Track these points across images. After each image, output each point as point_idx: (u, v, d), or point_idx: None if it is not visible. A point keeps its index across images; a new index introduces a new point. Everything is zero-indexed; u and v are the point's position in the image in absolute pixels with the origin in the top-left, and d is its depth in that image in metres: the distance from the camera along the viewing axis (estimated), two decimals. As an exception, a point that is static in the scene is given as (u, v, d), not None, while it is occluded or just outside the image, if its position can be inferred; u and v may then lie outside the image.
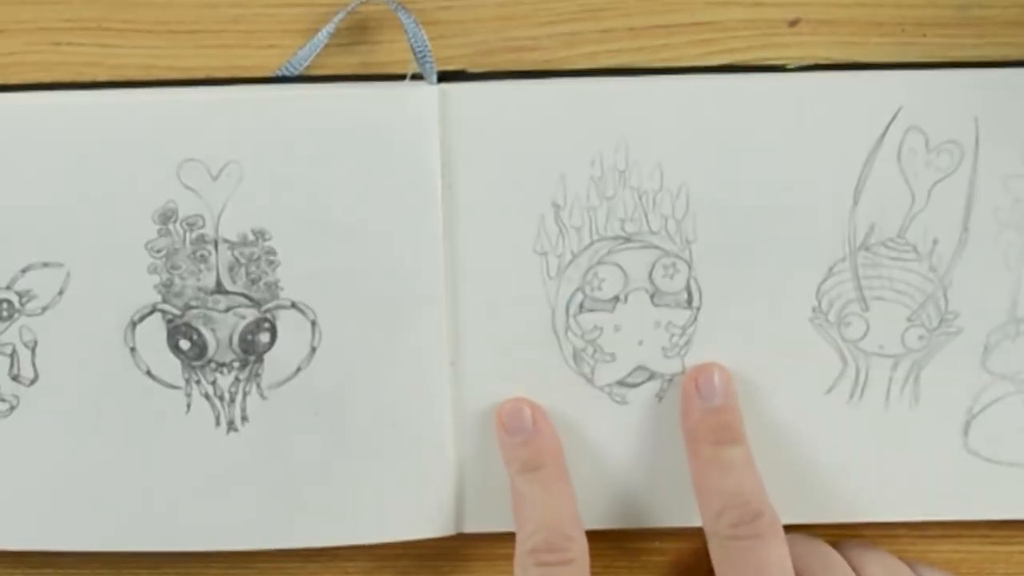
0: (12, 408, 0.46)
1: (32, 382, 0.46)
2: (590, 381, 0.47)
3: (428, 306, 0.46)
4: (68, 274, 0.45)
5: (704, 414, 0.45)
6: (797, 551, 0.44)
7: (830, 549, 0.46)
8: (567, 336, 0.47)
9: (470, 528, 0.47)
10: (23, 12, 0.46)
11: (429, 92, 0.45)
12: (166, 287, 0.46)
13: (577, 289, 0.46)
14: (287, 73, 0.45)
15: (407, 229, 0.45)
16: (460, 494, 0.47)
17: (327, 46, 0.45)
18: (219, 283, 0.46)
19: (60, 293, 0.46)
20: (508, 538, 0.46)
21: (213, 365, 0.46)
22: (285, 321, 0.46)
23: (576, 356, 0.47)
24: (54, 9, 0.46)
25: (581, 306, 0.46)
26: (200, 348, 0.46)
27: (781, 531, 0.43)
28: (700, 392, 0.45)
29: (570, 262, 0.46)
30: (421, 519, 0.46)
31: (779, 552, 0.43)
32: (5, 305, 0.46)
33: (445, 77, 0.45)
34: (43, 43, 0.46)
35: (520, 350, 0.46)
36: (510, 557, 0.45)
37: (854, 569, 0.45)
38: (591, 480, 0.47)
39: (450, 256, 0.45)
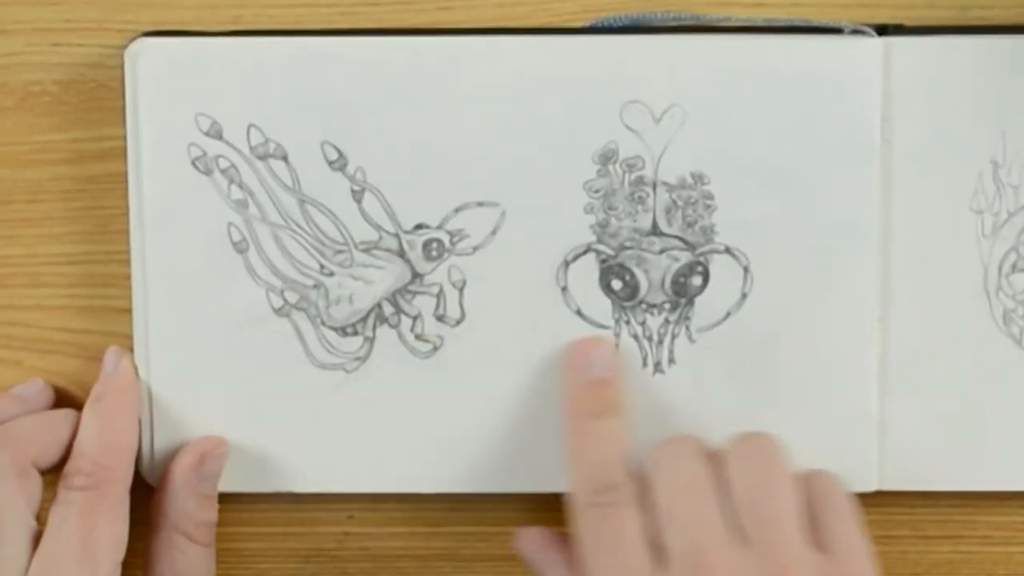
0: (435, 349, 0.46)
1: (458, 322, 0.46)
2: (1018, 343, 0.46)
3: (860, 259, 0.45)
4: (503, 213, 0.45)
5: (580, 387, 0.45)
6: (667, 499, 0.42)
7: (701, 484, 0.43)
8: (998, 296, 0.46)
9: (889, 486, 0.46)
10: (23, 12, 0.46)
11: (873, 45, 0.45)
12: (601, 227, 0.46)
13: (1011, 249, 0.46)
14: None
15: (844, 181, 0.45)
16: (883, 452, 0.46)
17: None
18: (655, 225, 0.45)
19: (493, 233, 0.46)
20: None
21: (644, 306, 0.46)
22: (718, 265, 0.46)
23: (1006, 316, 0.46)
24: (54, 9, 0.46)
25: (1014, 266, 0.46)
26: (632, 289, 0.46)
27: (635, 500, 0.42)
28: (578, 365, 0.45)
29: (1005, 221, 0.46)
30: (841, 474, 0.45)
31: (630, 516, 0.41)
32: (435, 244, 0.46)
33: (882, 31, 0.45)
34: (43, 43, 0.46)
35: (948, 308, 0.46)
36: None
37: (731, 506, 0.42)
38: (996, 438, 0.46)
39: (884, 210, 0.45)
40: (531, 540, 0.45)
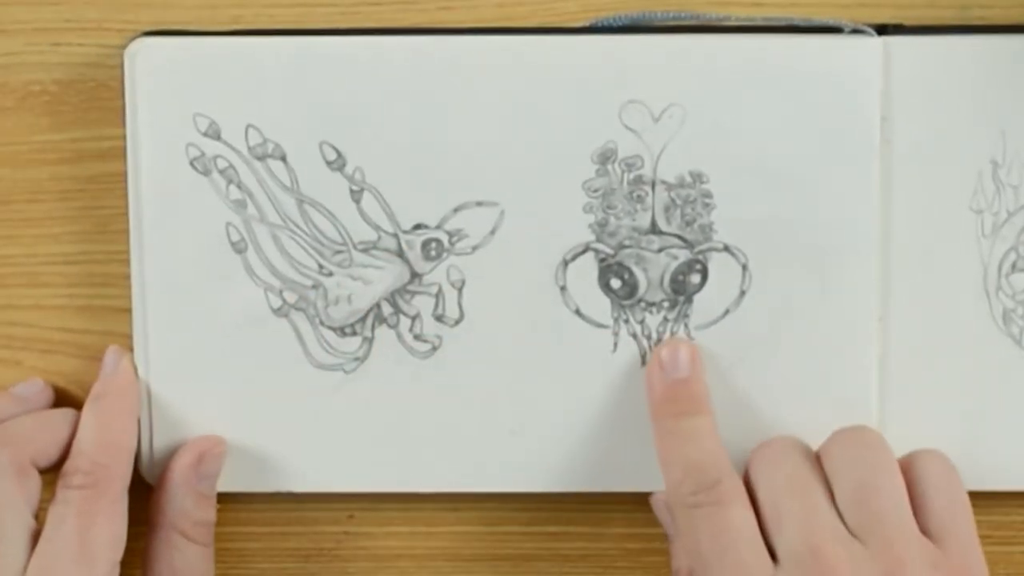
0: (434, 349, 0.46)
1: (456, 322, 0.46)
2: (1018, 343, 0.46)
3: (860, 259, 0.45)
4: (502, 213, 0.45)
5: (667, 386, 0.44)
6: (774, 494, 0.42)
7: (809, 477, 0.43)
8: (998, 296, 0.46)
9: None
10: (23, 12, 0.46)
11: (873, 45, 0.45)
12: (600, 226, 0.46)
13: (1011, 248, 0.46)
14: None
15: (843, 181, 0.45)
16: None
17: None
18: (654, 223, 0.45)
19: (492, 232, 0.46)
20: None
21: (643, 304, 0.46)
22: (716, 263, 0.46)
23: (1005, 316, 0.46)
24: (54, 9, 0.46)
25: (1014, 266, 0.46)
26: (631, 287, 0.46)
27: (744, 496, 0.42)
28: (664, 366, 0.44)
29: (1005, 220, 0.46)
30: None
31: (741, 516, 0.41)
32: (434, 244, 0.46)
33: (882, 31, 0.45)
34: (43, 43, 0.46)
35: (948, 308, 0.46)
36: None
37: (838, 507, 0.42)
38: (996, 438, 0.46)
39: (884, 210, 0.45)
40: (660, 503, 0.45)
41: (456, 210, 0.46)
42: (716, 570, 0.41)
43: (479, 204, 0.46)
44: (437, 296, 0.46)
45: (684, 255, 0.46)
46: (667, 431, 0.44)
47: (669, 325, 0.46)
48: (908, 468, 0.43)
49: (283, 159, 0.45)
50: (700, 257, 0.46)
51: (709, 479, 0.42)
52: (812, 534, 0.40)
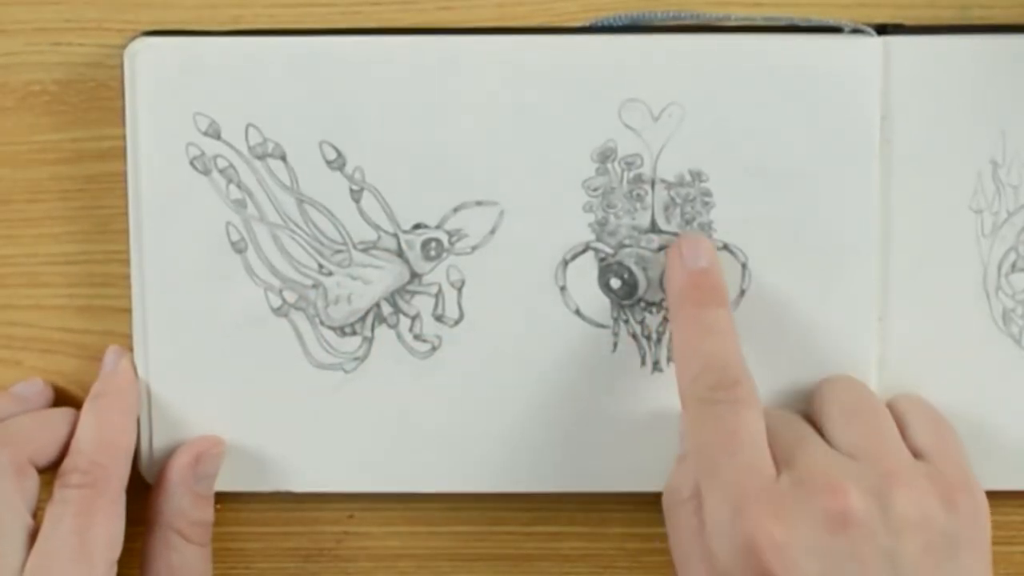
0: (433, 349, 0.46)
1: (456, 322, 0.46)
2: (1018, 342, 0.46)
3: (859, 259, 0.45)
4: (502, 213, 0.45)
5: (688, 275, 0.44)
6: (769, 424, 0.42)
7: (799, 418, 0.44)
8: (998, 296, 0.46)
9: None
10: (23, 12, 0.46)
11: (873, 44, 0.45)
12: (600, 225, 0.46)
13: (1011, 248, 0.46)
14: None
15: (843, 180, 0.45)
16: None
17: None
18: (653, 222, 0.45)
19: (492, 232, 0.46)
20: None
21: (643, 304, 0.46)
22: (716, 263, 0.45)
23: (1005, 316, 0.46)
24: (54, 9, 0.46)
25: (1013, 266, 0.46)
26: (631, 287, 0.46)
27: (759, 403, 0.42)
28: (684, 257, 0.44)
29: (1005, 220, 0.46)
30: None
31: (755, 422, 0.41)
32: (434, 244, 0.46)
33: (882, 30, 0.45)
34: (43, 43, 0.46)
35: (948, 308, 0.46)
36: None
37: (828, 437, 0.43)
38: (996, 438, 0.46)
39: (884, 210, 0.45)
40: None
41: (456, 210, 0.46)
42: (724, 469, 0.41)
43: (479, 204, 0.46)
44: (437, 296, 0.46)
45: (684, 254, 0.46)
46: (689, 319, 0.43)
47: (669, 325, 0.46)
48: (892, 405, 0.44)
49: (283, 158, 0.45)
50: (700, 256, 0.46)
51: (729, 378, 0.42)
52: (808, 451, 0.41)
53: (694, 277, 0.44)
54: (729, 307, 0.44)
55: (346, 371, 0.46)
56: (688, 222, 0.45)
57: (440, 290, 0.46)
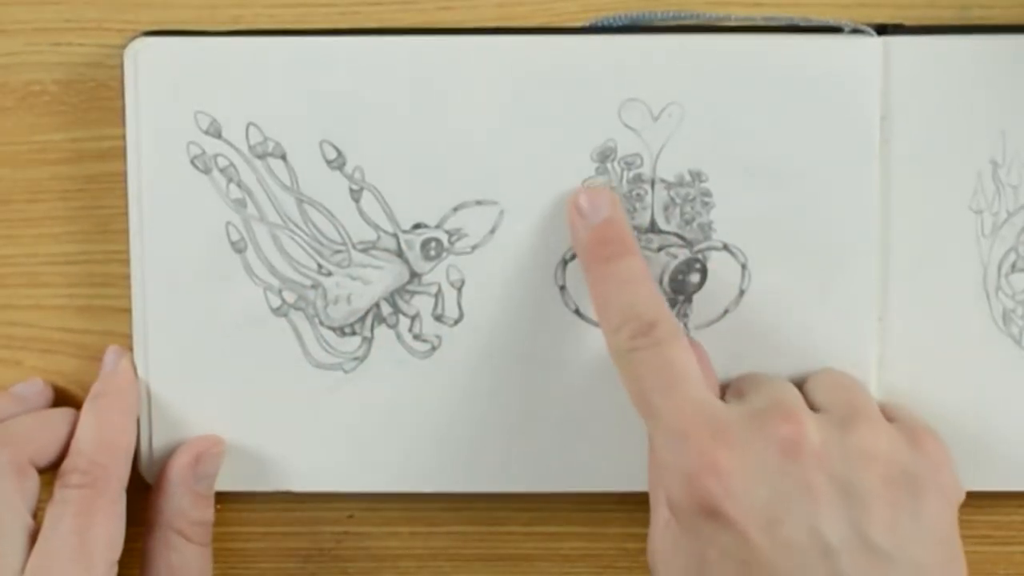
0: (433, 348, 0.46)
1: (456, 322, 0.46)
2: (1018, 342, 0.46)
3: (859, 259, 0.45)
4: (501, 212, 0.45)
5: (592, 231, 0.44)
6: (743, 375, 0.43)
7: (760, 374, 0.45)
8: (998, 296, 0.46)
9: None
10: (23, 12, 0.46)
11: (873, 44, 0.45)
12: (600, 226, 0.45)
13: (1011, 248, 0.46)
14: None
15: (843, 180, 0.45)
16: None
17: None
18: (653, 222, 0.45)
19: (491, 232, 0.45)
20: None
21: (643, 305, 0.45)
22: (715, 262, 0.46)
23: (1005, 316, 0.46)
24: (54, 9, 0.46)
25: (1013, 266, 0.46)
26: (632, 288, 0.45)
27: (683, 337, 0.41)
28: (585, 211, 0.44)
29: (1005, 221, 0.46)
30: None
31: (682, 356, 0.41)
32: (433, 244, 0.46)
33: (882, 30, 0.45)
34: (43, 43, 0.46)
35: (948, 308, 0.46)
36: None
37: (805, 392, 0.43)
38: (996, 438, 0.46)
39: (884, 210, 0.45)
40: None
41: (455, 209, 0.46)
42: (662, 408, 0.40)
43: (478, 203, 0.46)
44: (436, 296, 0.46)
45: (683, 254, 0.46)
46: (600, 276, 0.43)
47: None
48: (883, 407, 0.44)
49: (283, 158, 0.45)
50: (699, 256, 0.46)
51: (646, 322, 0.42)
52: (771, 388, 0.42)
53: (598, 232, 0.44)
54: (638, 252, 0.44)
55: (346, 371, 0.46)
56: (688, 222, 0.45)
57: (440, 290, 0.46)
